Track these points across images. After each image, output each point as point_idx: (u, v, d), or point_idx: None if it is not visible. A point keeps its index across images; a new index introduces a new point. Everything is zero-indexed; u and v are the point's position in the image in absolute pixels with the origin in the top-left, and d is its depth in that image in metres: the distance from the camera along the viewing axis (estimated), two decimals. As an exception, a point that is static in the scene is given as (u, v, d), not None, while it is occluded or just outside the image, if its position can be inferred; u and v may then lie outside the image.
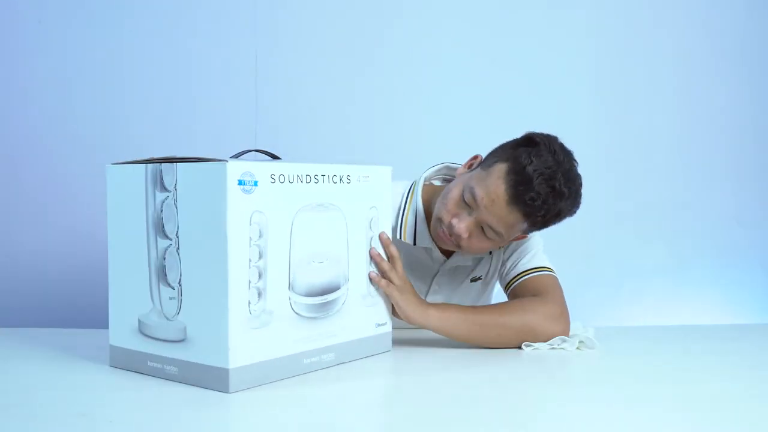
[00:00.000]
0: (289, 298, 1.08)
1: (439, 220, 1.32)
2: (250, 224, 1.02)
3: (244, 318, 1.02)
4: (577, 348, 1.29)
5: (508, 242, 1.38)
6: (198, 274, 1.03)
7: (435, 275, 1.46)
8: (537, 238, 1.44)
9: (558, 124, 2.04)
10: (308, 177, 1.10)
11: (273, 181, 1.05)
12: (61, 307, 1.92)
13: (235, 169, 1.00)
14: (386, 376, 1.14)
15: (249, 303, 1.02)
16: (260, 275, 1.04)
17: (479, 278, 1.47)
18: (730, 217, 2.11)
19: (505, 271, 1.42)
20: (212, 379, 1.02)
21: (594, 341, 1.29)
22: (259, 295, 1.04)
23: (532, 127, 2.01)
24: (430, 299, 1.42)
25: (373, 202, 1.22)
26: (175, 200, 1.05)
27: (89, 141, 1.93)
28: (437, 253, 1.43)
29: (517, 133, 2.02)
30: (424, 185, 1.45)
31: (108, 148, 1.91)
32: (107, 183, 1.13)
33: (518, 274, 1.38)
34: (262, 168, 1.04)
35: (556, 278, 1.37)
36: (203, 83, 1.95)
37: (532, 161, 1.23)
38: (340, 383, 1.08)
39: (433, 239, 1.38)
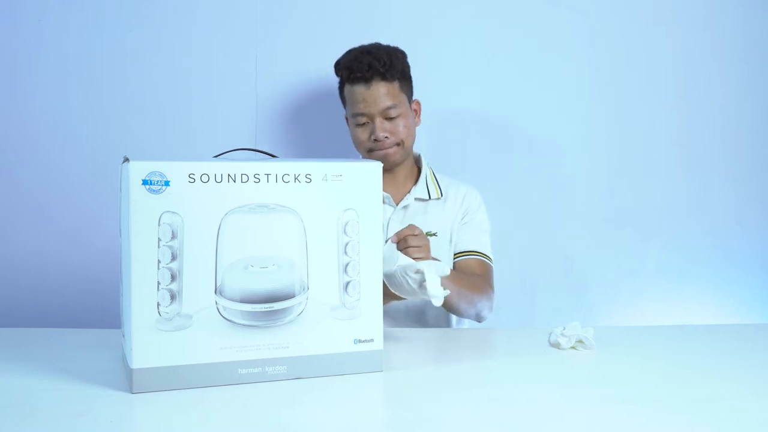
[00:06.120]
0: (217, 303, 1.04)
1: (370, 151, 1.63)
2: (159, 224, 1.00)
3: (151, 320, 1.00)
4: (573, 347, 1.29)
5: (409, 108, 1.67)
6: (123, 275, 1.06)
7: (388, 222, 1.64)
8: (486, 222, 1.70)
9: (557, 124, 2.05)
10: (244, 176, 1.04)
11: (192, 180, 1.01)
12: (61, 307, 1.92)
13: (139, 168, 0.99)
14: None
15: (159, 305, 1.01)
16: (174, 277, 1.01)
17: (434, 234, 1.63)
18: (730, 217, 2.11)
19: (458, 240, 1.66)
20: (127, 378, 1.04)
21: (593, 341, 1.29)
22: (173, 297, 1.01)
23: (532, 128, 2.03)
24: None
25: (349, 204, 1.10)
26: (121, 200, 1.06)
27: (89, 141, 1.93)
28: (386, 195, 1.66)
29: (517, 133, 2.04)
30: None
31: (108, 148, 1.90)
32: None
33: (468, 251, 1.64)
34: (178, 168, 1.01)
35: (492, 267, 1.67)
36: (203, 83, 1.95)
37: (343, 64, 1.63)
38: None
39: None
